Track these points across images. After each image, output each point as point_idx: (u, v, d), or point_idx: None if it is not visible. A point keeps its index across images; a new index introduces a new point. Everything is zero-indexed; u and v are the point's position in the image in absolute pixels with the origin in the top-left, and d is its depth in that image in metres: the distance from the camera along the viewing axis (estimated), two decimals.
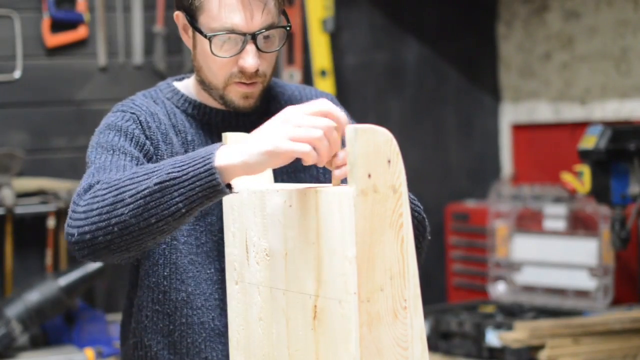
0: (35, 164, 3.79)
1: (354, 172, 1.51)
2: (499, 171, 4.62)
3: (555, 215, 3.95)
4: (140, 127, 1.89)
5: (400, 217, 1.55)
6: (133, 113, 1.91)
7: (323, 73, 4.16)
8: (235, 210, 1.81)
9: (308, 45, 4.19)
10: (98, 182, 1.70)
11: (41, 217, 3.72)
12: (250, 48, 1.85)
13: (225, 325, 1.91)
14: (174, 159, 1.64)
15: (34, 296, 3.51)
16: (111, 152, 1.83)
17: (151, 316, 1.94)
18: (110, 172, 1.76)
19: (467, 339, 3.53)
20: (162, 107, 1.96)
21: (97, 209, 1.63)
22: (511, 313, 3.75)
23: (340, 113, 1.59)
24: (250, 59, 1.85)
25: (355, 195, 1.51)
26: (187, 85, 2.01)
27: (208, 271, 1.92)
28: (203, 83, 1.94)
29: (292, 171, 1.98)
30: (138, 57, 3.93)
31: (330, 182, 1.70)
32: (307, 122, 1.56)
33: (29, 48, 3.78)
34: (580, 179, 3.30)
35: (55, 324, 3.69)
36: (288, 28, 1.90)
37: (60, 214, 3.73)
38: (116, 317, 3.62)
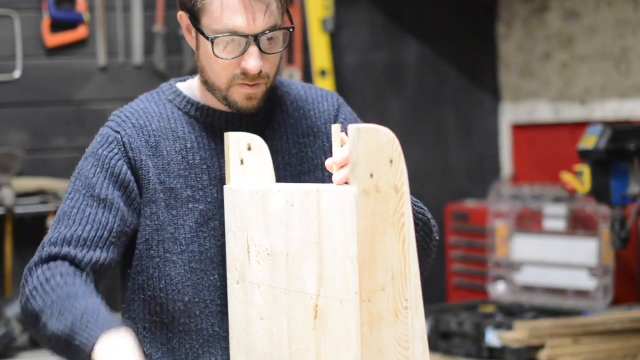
0: (35, 164, 3.79)
1: (356, 171, 1.51)
2: (499, 171, 4.62)
3: (555, 215, 3.95)
4: (122, 151, 1.91)
5: (402, 217, 1.55)
6: (118, 132, 1.92)
7: (323, 73, 4.17)
8: (237, 210, 1.81)
9: (308, 45, 4.19)
10: (48, 265, 1.84)
11: (41, 217, 3.72)
12: (253, 50, 1.84)
13: (227, 331, 1.91)
14: (83, 313, 1.77)
15: None
16: (83, 194, 1.89)
17: (149, 327, 1.94)
18: (71, 227, 1.86)
19: (467, 339, 3.53)
20: (164, 111, 1.96)
21: (31, 310, 1.82)
22: (511, 313, 3.75)
23: None
24: (252, 61, 1.84)
25: (358, 195, 1.51)
26: (190, 87, 2.00)
27: (211, 278, 1.92)
28: (207, 84, 1.93)
29: (297, 174, 1.98)
30: (138, 57, 3.93)
31: None
32: None
33: (29, 48, 3.78)
34: (580, 179, 3.30)
35: None
36: (291, 30, 1.89)
37: None
38: (116, 317, 3.62)
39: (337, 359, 1.56)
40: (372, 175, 1.51)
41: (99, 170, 1.90)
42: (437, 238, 1.94)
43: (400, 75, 4.47)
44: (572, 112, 4.26)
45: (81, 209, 1.87)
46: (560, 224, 3.93)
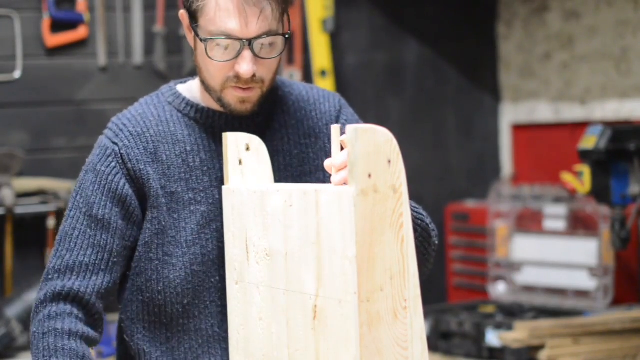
0: (35, 164, 3.79)
1: (355, 172, 1.51)
2: (499, 171, 4.62)
3: (555, 215, 3.95)
4: (120, 164, 1.93)
5: (401, 217, 1.55)
6: (115, 144, 1.94)
7: (323, 73, 4.17)
8: (235, 210, 1.81)
9: (308, 45, 4.19)
10: (47, 300, 1.89)
11: (41, 217, 3.72)
12: (247, 54, 1.84)
13: (227, 331, 1.91)
14: None
15: (34, 296, 3.51)
16: (83, 212, 1.92)
17: (148, 327, 1.95)
18: (73, 251, 1.90)
19: (467, 339, 3.53)
20: (162, 114, 1.96)
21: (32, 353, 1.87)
22: (511, 313, 3.75)
23: None
24: (245, 65, 1.84)
25: (356, 195, 1.51)
26: (190, 89, 2.00)
27: (212, 279, 1.92)
28: (204, 84, 1.93)
29: (298, 175, 1.98)
30: (138, 57, 3.93)
31: None
32: None
33: (29, 48, 3.78)
34: (580, 179, 3.30)
35: None
36: (286, 36, 1.88)
37: (60, 214, 3.73)
38: (116, 317, 3.62)
39: (336, 359, 1.56)
40: (370, 176, 1.51)
41: (97, 187, 1.92)
42: (436, 243, 1.94)
43: (400, 75, 4.47)
44: (572, 112, 4.26)
45: (82, 231, 1.91)
46: (560, 224, 3.93)
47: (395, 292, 1.55)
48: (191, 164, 1.93)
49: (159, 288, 1.92)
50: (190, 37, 1.94)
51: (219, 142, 1.93)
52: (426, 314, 1.61)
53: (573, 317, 3.50)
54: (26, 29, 3.77)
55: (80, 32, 3.84)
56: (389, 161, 1.53)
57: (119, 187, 1.92)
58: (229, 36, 1.83)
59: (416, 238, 1.81)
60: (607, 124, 3.27)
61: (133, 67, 3.94)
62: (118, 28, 3.91)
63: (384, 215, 1.53)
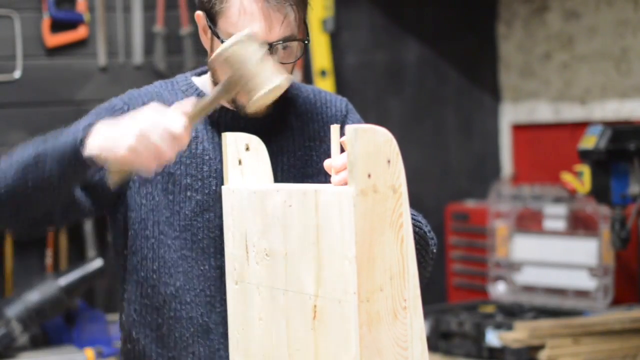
0: None
1: (354, 172, 1.51)
2: (499, 171, 4.62)
3: (555, 215, 3.95)
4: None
5: (400, 217, 1.55)
6: (126, 104, 1.96)
7: (323, 73, 4.16)
8: (235, 210, 1.81)
9: (308, 45, 4.19)
10: None
11: None
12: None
13: (215, 322, 1.92)
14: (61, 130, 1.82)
15: (34, 296, 3.51)
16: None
17: (139, 310, 1.94)
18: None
19: (467, 339, 3.53)
20: (174, 99, 1.97)
21: None
22: (511, 313, 3.75)
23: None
24: None
25: (355, 195, 1.51)
26: (204, 83, 2.02)
27: (202, 267, 1.92)
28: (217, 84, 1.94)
29: (301, 176, 1.98)
30: (138, 57, 3.93)
31: None
32: (158, 144, 1.67)
33: (29, 48, 3.78)
34: (580, 179, 3.30)
35: (55, 324, 3.68)
36: (306, 42, 1.90)
37: None
38: (116, 317, 3.62)
39: (336, 359, 1.57)
40: (369, 176, 1.52)
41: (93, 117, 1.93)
42: (434, 252, 1.94)
43: (400, 75, 4.47)
44: (572, 112, 4.26)
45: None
46: (560, 224, 3.93)
47: (395, 292, 1.55)
48: (193, 151, 1.94)
49: (154, 267, 1.92)
50: (205, 38, 1.94)
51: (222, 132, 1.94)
52: (426, 314, 1.61)
53: (573, 317, 3.50)
54: (26, 29, 3.77)
55: (80, 32, 3.84)
56: (389, 161, 1.53)
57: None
58: None
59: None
60: (607, 124, 3.27)
61: (133, 67, 3.94)
62: (118, 28, 3.91)
63: (384, 216, 1.53)
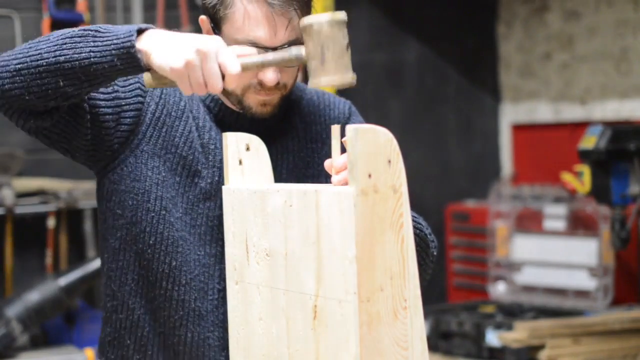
0: (35, 164, 3.79)
1: (355, 172, 1.51)
2: (499, 171, 4.62)
3: (555, 215, 3.95)
4: (142, 90, 1.91)
5: (401, 217, 1.55)
6: (140, 80, 1.92)
7: None
8: (235, 210, 1.81)
9: None
10: None
11: (41, 217, 3.72)
12: None
13: (207, 310, 1.91)
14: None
15: (34, 296, 3.51)
16: None
17: (137, 279, 1.94)
18: None
19: (467, 339, 3.53)
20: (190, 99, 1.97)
21: (20, 49, 1.73)
22: (511, 313, 3.75)
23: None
24: (270, 74, 1.85)
25: (356, 195, 1.51)
26: None
27: (198, 252, 1.92)
28: (224, 89, 1.94)
29: (302, 177, 1.98)
30: None
31: None
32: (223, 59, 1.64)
33: None
34: (580, 179, 3.30)
35: (55, 324, 3.68)
36: None
37: (60, 214, 3.73)
38: None
39: (336, 359, 1.57)
40: (370, 176, 1.51)
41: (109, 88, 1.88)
42: (435, 254, 1.94)
43: (400, 75, 4.47)
44: (572, 112, 4.26)
45: None
46: (560, 224, 3.93)
47: (395, 292, 1.55)
48: (203, 139, 1.94)
49: (150, 242, 1.91)
50: None
51: (226, 131, 1.94)
52: (426, 314, 1.61)
53: (573, 317, 3.50)
54: (26, 29, 3.78)
55: None
56: (389, 161, 1.53)
57: (128, 99, 1.89)
58: (255, 44, 1.83)
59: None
60: (607, 124, 3.28)
61: None
62: None
63: (384, 215, 1.53)
